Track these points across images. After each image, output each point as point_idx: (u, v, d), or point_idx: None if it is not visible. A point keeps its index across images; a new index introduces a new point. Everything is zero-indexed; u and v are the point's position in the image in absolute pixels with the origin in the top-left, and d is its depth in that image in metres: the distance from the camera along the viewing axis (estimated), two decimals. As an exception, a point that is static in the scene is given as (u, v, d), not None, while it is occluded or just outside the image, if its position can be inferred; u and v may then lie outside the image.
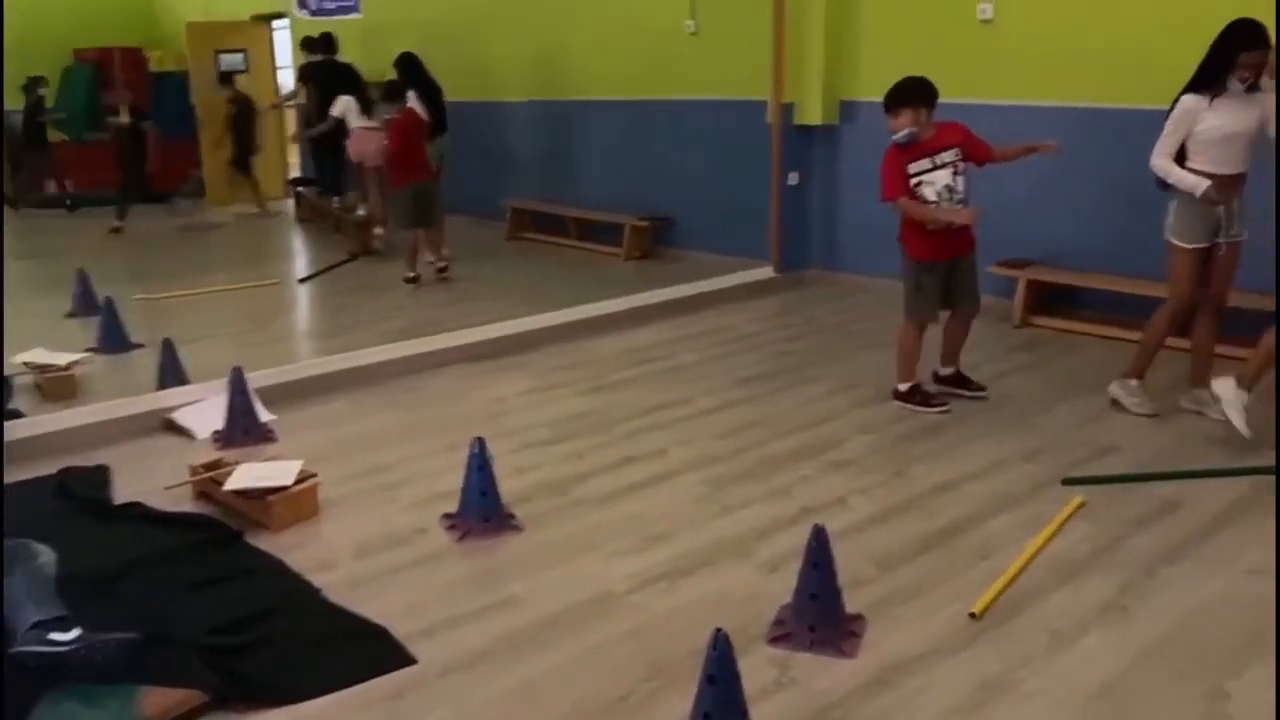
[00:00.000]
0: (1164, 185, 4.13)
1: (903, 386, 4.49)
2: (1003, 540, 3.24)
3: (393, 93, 7.21)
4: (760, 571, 3.08)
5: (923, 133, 4.21)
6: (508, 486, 3.55)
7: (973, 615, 2.80)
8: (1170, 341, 4.36)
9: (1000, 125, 5.91)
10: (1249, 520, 3.36)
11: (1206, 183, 3.94)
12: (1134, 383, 4.34)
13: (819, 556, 2.67)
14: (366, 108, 8.63)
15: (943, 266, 4.38)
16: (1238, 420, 3.80)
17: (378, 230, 8.43)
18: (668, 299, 6.29)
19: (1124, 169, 5.40)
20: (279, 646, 2.67)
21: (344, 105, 8.81)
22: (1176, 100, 4.04)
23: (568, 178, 8.75)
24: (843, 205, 6.88)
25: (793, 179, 6.92)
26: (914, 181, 4.24)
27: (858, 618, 2.78)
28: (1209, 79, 3.94)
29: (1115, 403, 4.37)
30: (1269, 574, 3.00)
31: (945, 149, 4.24)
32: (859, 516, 3.44)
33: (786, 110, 6.77)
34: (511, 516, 3.41)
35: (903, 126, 4.20)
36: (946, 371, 4.65)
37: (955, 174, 4.24)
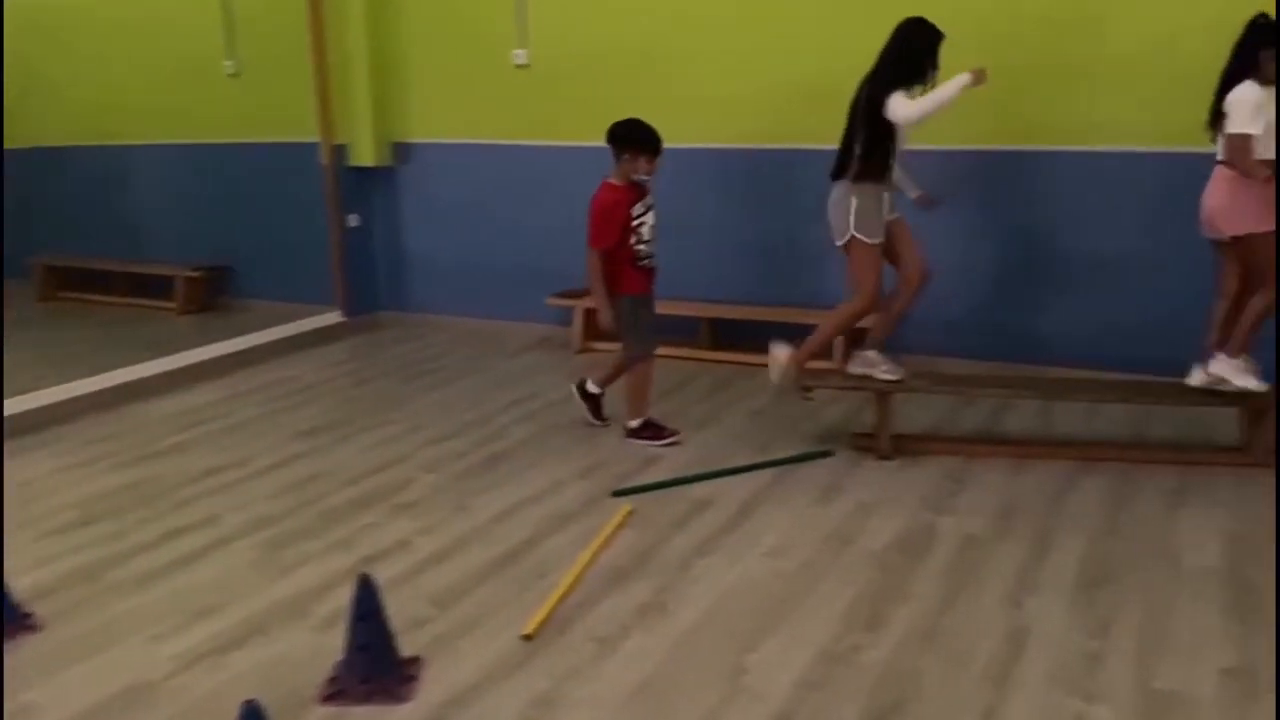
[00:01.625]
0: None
1: (634, 423, 4.53)
2: (559, 558, 3.39)
3: None
4: (318, 631, 2.98)
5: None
6: (27, 581, 3.17)
7: (526, 636, 2.90)
8: (695, 354, 4.80)
9: (537, 165, 6.27)
10: (767, 508, 3.78)
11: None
12: (872, 353, 4.46)
13: (366, 607, 2.64)
14: None
15: (649, 299, 4.52)
16: (1250, 382, 4.06)
17: None
18: (225, 353, 5.96)
19: (662, 202, 5.90)
20: None
21: None
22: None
23: (111, 229, 8.02)
24: (409, 245, 6.89)
25: (353, 221, 6.83)
26: (636, 223, 4.37)
27: (414, 660, 2.77)
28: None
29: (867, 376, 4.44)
30: (784, 553, 3.39)
31: (647, 194, 4.46)
32: (420, 557, 3.44)
33: (339, 152, 6.68)
34: (28, 615, 3.03)
35: (645, 170, 4.34)
36: (596, 389, 4.73)
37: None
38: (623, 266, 4.39)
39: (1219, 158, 3.94)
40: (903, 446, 4.30)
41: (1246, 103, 3.73)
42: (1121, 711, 2.51)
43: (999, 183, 5.25)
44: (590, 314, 5.99)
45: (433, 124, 6.60)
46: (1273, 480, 3.93)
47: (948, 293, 5.28)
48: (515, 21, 6.17)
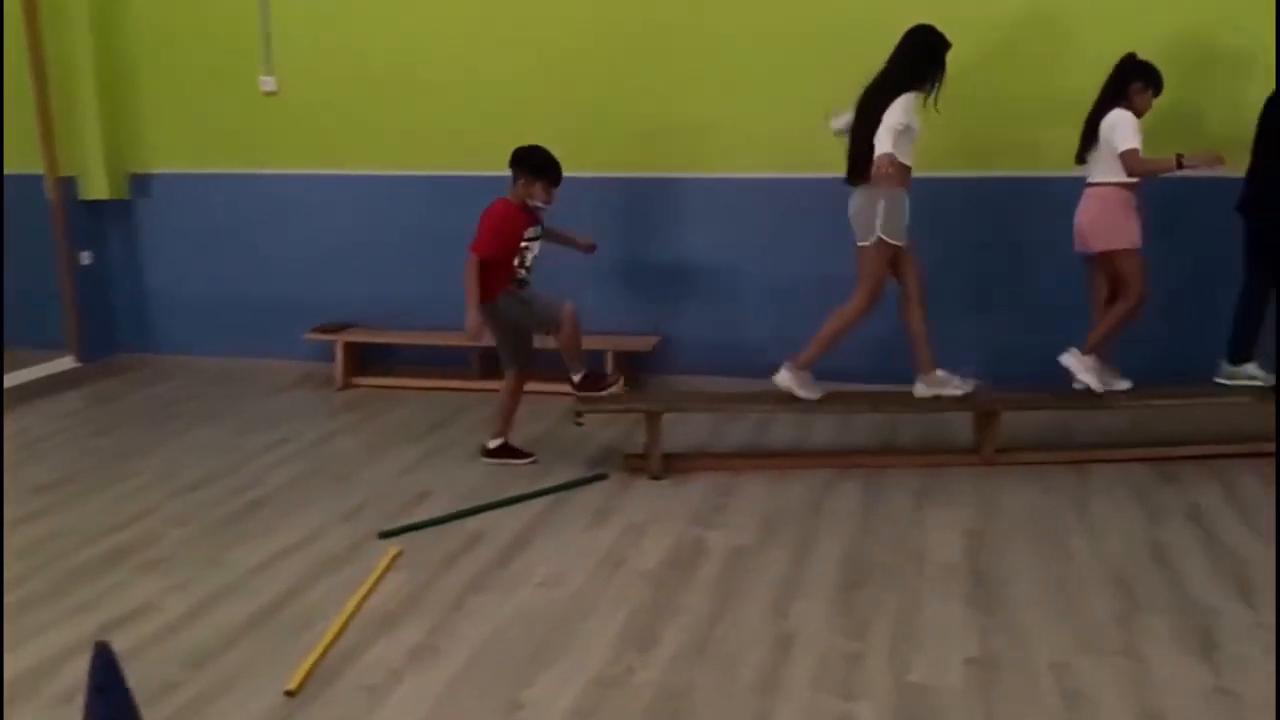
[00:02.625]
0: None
1: (494, 444, 4.51)
2: (324, 607, 3.23)
3: None
4: (55, 707, 2.72)
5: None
6: None
7: (289, 692, 2.74)
8: (466, 385, 4.73)
9: (289, 195, 6.04)
10: (541, 537, 3.76)
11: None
12: (940, 372, 4.49)
13: (104, 677, 2.41)
14: None
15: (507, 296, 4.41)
16: (1092, 381, 4.40)
17: None
18: (-62, 409, 5.37)
19: (422, 229, 5.82)
20: None
21: None
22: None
23: None
24: (151, 283, 6.44)
25: (86, 258, 6.33)
26: (524, 246, 4.36)
27: (164, 730, 2.57)
28: None
29: (937, 397, 4.49)
30: (558, 582, 3.38)
31: (539, 223, 4.43)
32: (171, 617, 3.20)
33: (68, 184, 6.18)
34: None
35: (541, 197, 4.33)
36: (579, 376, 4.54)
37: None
38: (499, 284, 4.35)
39: (1090, 180, 4.39)
40: (673, 465, 4.40)
41: (1128, 123, 4.20)
42: (880, 708, 2.64)
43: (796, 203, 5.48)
44: (352, 348, 5.85)
45: (174, 154, 6.22)
46: (1001, 479, 4.29)
47: (723, 314, 5.49)
48: (261, 48, 5.92)
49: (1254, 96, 4.48)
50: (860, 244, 4.35)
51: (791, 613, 3.16)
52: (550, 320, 4.36)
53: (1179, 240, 4.87)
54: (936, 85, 4.23)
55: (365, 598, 3.28)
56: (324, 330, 5.89)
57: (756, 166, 5.38)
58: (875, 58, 4.26)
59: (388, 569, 3.49)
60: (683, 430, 4.78)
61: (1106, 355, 4.52)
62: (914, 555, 3.57)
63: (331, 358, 5.86)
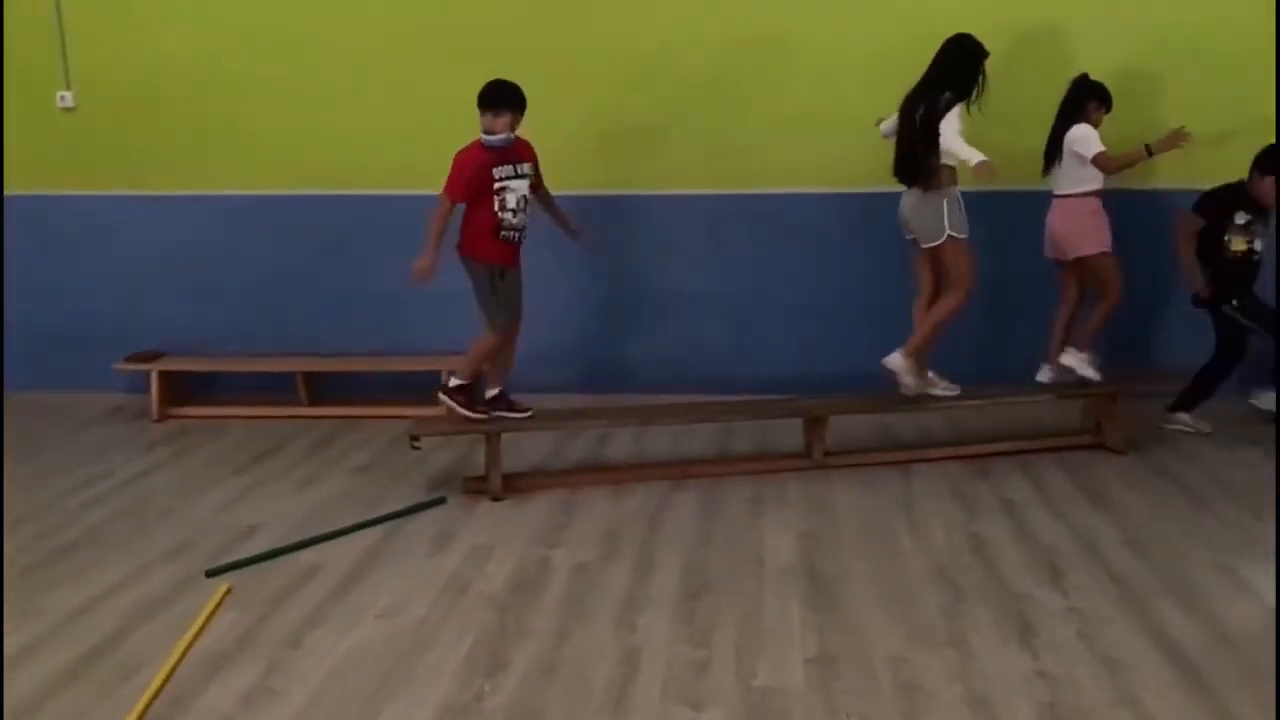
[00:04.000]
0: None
1: (455, 381, 4.34)
2: (149, 652, 3.05)
3: None
4: None
5: (511, 140, 4.20)
6: None
7: (113, 749, 2.58)
8: (291, 412, 4.56)
9: (92, 217, 5.71)
10: (380, 566, 3.67)
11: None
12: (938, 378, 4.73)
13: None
14: None
15: (513, 274, 4.31)
16: (1089, 373, 4.78)
17: None
18: None
19: (242, 252, 5.60)
20: None
21: None
22: None
23: None
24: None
25: None
26: (498, 186, 4.18)
27: (-28, 801, 2.38)
28: None
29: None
30: (400, 611, 3.30)
31: (524, 161, 4.26)
32: (-26, 676, 2.96)
33: None
34: None
35: (503, 129, 4.15)
36: (494, 392, 4.45)
37: (530, 187, 4.29)
38: (483, 235, 4.21)
39: (1057, 192, 4.77)
40: (513, 485, 4.37)
41: (1090, 132, 4.63)
42: (729, 714, 2.70)
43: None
44: (168, 378, 5.55)
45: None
46: (831, 482, 4.46)
47: (554, 332, 5.48)
48: (58, 60, 5.57)
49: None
50: (927, 245, 4.52)
51: (637, 626, 3.18)
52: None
53: (999, 245, 5.19)
54: (977, 91, 4.40)
55: (194, 640, 3.12)
56: (137, 359, 5.58)
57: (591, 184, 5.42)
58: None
59: (217, 608, 3.33)
60: (523, 449, 4.75)
61: (1089, 347, 4.84)
62: (752, 560, 3.66)
63: (146, 388, 5.55)
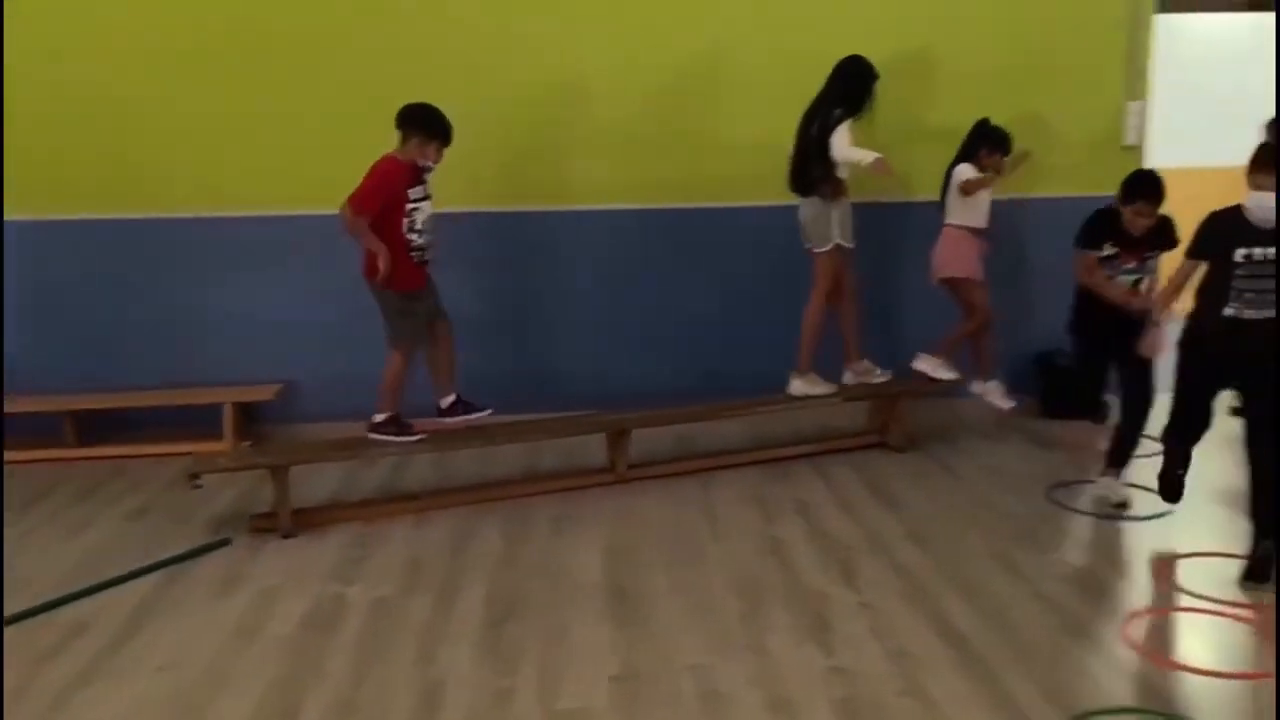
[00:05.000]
0: None
1: (381, 417, 4.34)
2: (-114, 736, 2.74)
3: None
4: None
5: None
6: None
7: None
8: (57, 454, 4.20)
9: None
10: (159, 616, 3.42)
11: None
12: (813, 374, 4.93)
13: None
14: None
15: (424, 295, 4.33)
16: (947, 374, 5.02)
17: None
18: None
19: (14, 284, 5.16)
20: None
21: None
22: None
23: None
24: None
25: None
26: (410, 206, 4.21)
27: None
28: None
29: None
30: (183, 662, 3.09)
31: (425, 183, 4.28)
32: None
33: None
34: None
35: (434, 157, 4.25)
36: (449, 400, 4.46)
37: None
38: (395, 257, 4.14)
39: (945, 221, 4.98)
40: (305, 520, 4.17)
41: (966, 170, 4.92)
42: (532, 740, 2.65)
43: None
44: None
45: None
46: (635, 495, 4.48)
47: (332, 357, 5.29)
48: None
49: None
50: (817, 250, 4.78)
51: (439, 659, 3.09)
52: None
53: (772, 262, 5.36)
54: (866, 109, 4.68)
55: (-59, 717, 2.82)
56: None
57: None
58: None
59: (-30, 678, 3.02)
60: (315, 482, 4.55)
61: (952, 355, 5.08)
62: (557, 581, 3.63)
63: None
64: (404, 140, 4.22)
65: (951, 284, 5.05)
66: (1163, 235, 4.14)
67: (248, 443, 5.15)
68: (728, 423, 5.19)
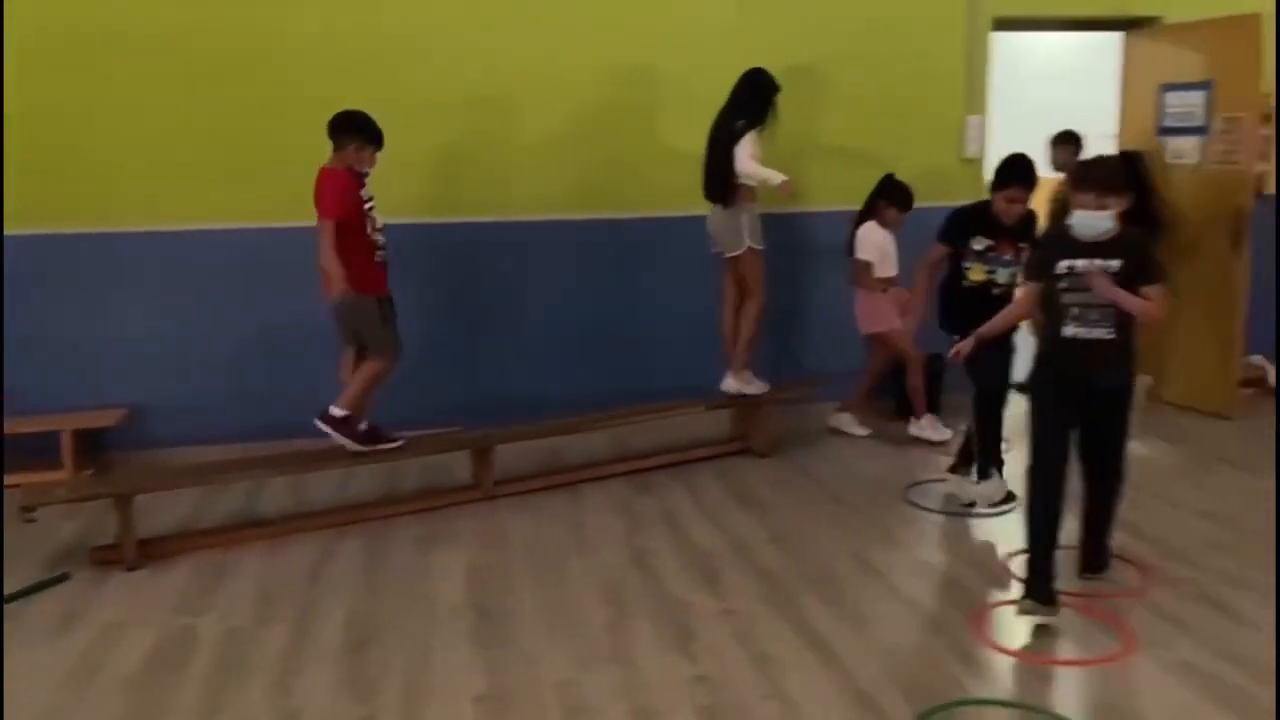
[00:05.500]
0: None
1: (339, 411, 4.29)
2: None
3: None
4: None
5: None
6: None
7: None
8: None
9: None
10: (-11, 661, 3.21)
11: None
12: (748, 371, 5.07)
13: None
14: None
15: (391, 300, 4.38)
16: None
17: None
18: None
19: None
20: None
21: None
22: None
23: None
24: None
25: None
26: (368, 207, 4.29)
27: None
28: None
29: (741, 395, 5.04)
30: (15, 709, 2.90)
31: (365, 187, 4.31)
32: None
33: None
34: None
35: (369, 163, 4.28)
36: (345, 413, 4.36)
37: None
38: (363, 262, 4.22)
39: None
40: (152, 551, 3.98)
41: (869, 240, 5.10)
42: (393, 768, 2.58)
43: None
44: None
45: None
46: (501, 511, 4.44)
47: (181, 380, 5.08)
48: None
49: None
50: (729, 255, 4.90)
51: (296, 689, 2.98)
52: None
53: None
54: (769, 120, 4.80)
55: None
56: None
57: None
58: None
59: None
60: (163, 510, 4.34)
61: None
62: (420, 603, 3.55)
63: None
64: (339, 148, 4.24)
65: (878, 338, 5.26)
66: (1028, 227, 4.15)
67: (89, 471, 4.88)
68: (597, 434, 5.19)
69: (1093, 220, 3.20)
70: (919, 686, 2.90)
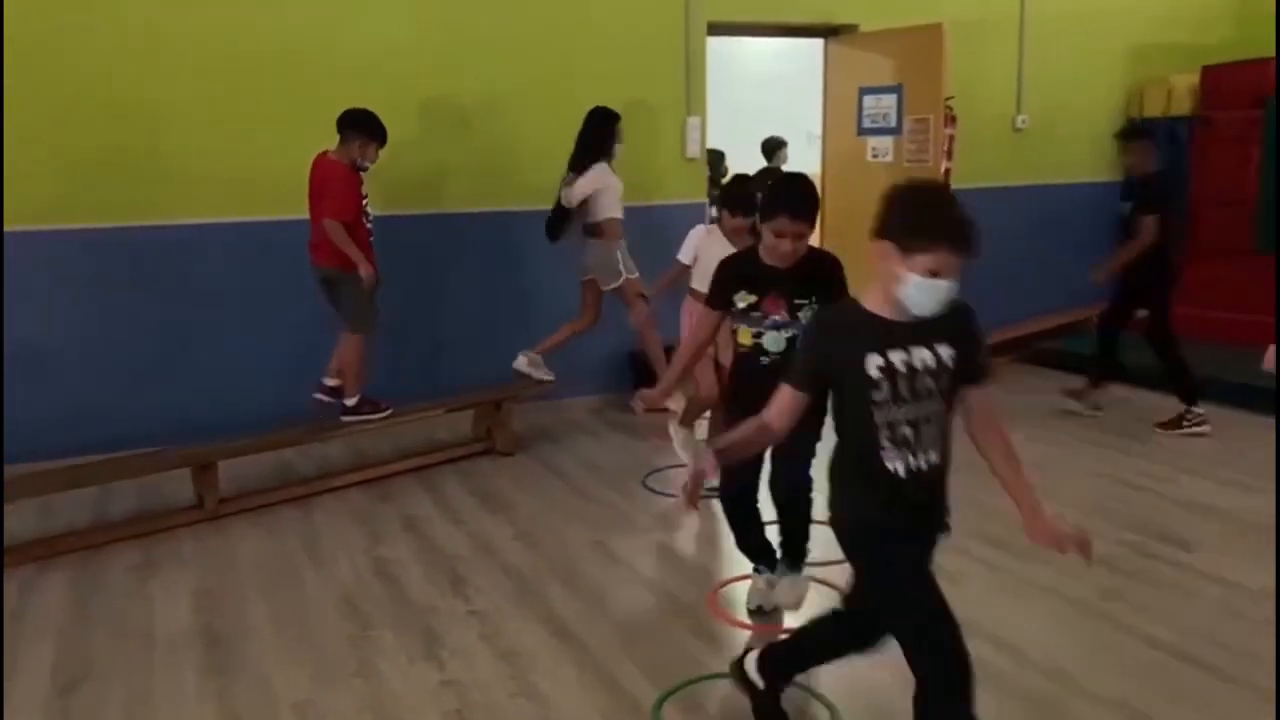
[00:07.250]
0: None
1: (352, 400, 4.72)
2: None
3: None
4: None
5: None
6: None
7: None
8: None
9: None
10: None
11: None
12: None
13: None
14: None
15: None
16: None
17: None
18: None
19: None
20: None
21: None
22: None
23: None
24: None
25: None
26: (365, 203, 4.57)
27: None
28: None
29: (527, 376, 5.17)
30: None
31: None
32: None
33: None
34: None
35: (372, 158, 4.54)
36: (336, 382, 4.74)
37: None
38: (362, 246, 4.52)
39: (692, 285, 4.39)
40: None
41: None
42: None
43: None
44: None
45: None
46: (228, 531, 4.19)
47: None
48: None
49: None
50: (606, 288, 5.08)
51: (-6, 743, 2.69)
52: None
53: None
54: (617, 150, 5.03)
55: None
56: None
57: None
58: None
59: None
60: None
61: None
62: (140, 634, 3.29)
63: None
64: (344, 141, 4.50)
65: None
66: (819, 271, 2.95)
67: None
68: (330, 444, 5.00)
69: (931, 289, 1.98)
70: (663, 667, 2.98)
